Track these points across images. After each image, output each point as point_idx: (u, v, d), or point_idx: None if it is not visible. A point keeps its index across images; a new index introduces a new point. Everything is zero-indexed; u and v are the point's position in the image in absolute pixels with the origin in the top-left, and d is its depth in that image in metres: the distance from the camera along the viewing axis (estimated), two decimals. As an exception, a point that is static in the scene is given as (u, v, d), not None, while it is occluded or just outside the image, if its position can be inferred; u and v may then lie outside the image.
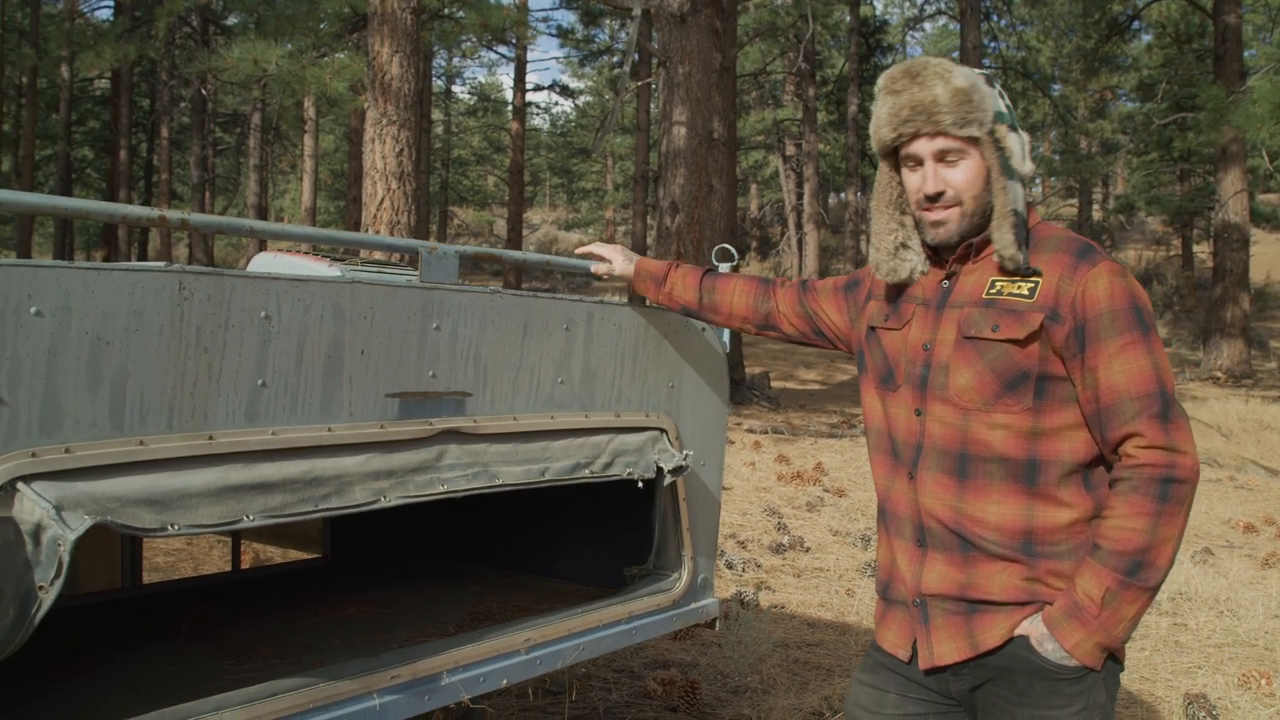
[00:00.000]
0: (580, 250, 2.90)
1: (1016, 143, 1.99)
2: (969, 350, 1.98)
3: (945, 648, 2.01)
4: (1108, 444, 1.91)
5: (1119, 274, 1.92)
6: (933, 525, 2.03)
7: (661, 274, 2.75)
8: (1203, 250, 31.90)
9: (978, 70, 2.03)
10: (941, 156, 1.99)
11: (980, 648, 1.98)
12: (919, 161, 2.01)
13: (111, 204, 1.97)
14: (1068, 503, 1.94)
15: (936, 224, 2.03)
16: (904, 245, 2.11)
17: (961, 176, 1.99)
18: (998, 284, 1.99)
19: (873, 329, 2.20)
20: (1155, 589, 1.87)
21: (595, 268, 2.86)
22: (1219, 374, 19.63)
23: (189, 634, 3.01)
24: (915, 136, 1.99)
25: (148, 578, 3.65)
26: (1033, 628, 1.94)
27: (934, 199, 2.01)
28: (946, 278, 2.07)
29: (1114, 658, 1.95)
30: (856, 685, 2.21)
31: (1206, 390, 18.52)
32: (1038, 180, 44.47)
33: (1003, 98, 2.00)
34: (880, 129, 2.03)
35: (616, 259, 2.84)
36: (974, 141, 1.97)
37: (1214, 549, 7.64)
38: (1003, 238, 1.98)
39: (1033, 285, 1.95)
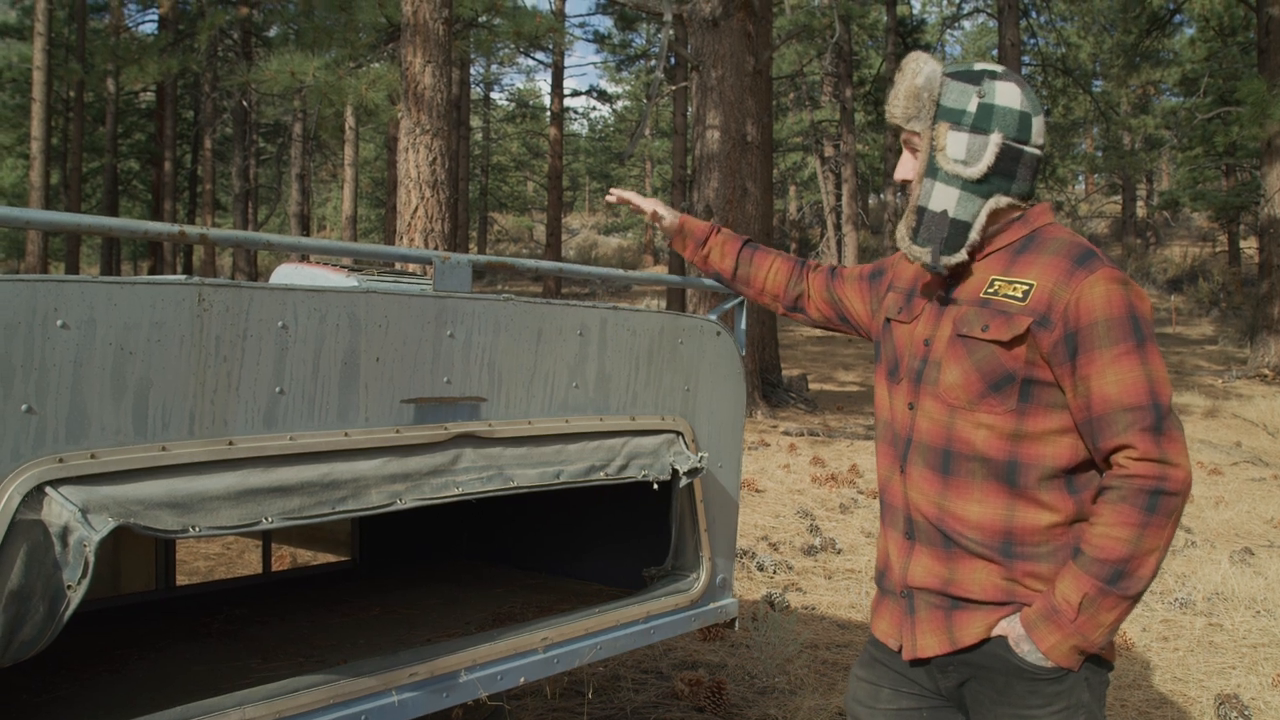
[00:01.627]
0: (616, 192, 2.78)
1: (959, 142, 1.98)
2: (960, 348, 1.99)
3: (927, 640, 2.04)
4: (1099, 453, 1.90)
5: (1117, 281, 1.89)
6: (919, 519, 2.06)
7: (703, 236, 2.68)
8: (1249, 246, 31.40)
9: (986, 67, 2.04)
10: (909, 147, 2.08)
11: (958, 643, 2.00)
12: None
13: (134, 221, 2.06)
14: (1049, 505, 1.94)
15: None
16: None
17: (918, 167, 2.05)
18: (996, 283, 1.99)
19: (888, 321, 2.22)
20: (1136, 598, 1.86)
21: (636, 206, 2.74)
22: (1266, 371, 19.32)
23: (219, 634, 3.10)
24: (895, 126, 2.08)
25: (183, 580, 3.75)
26: (1010, 628, 1.95)
27: (905, 185, 2.10)
28: (954, 274, 2.09)
29: (1099, 659, 1.96)
30: (854, 680, 2.24)
31: (1253, 388, 18.25)
32: (1080, 177, 44.05)
33: (981, 98, 1.98)
34: None
35: (662, 211, 2.72)
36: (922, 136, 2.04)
37: (1254, 549, 7.55)
38: (899, 230, 2.06)
39: (1027, 288, 1.94)
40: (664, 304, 23.85)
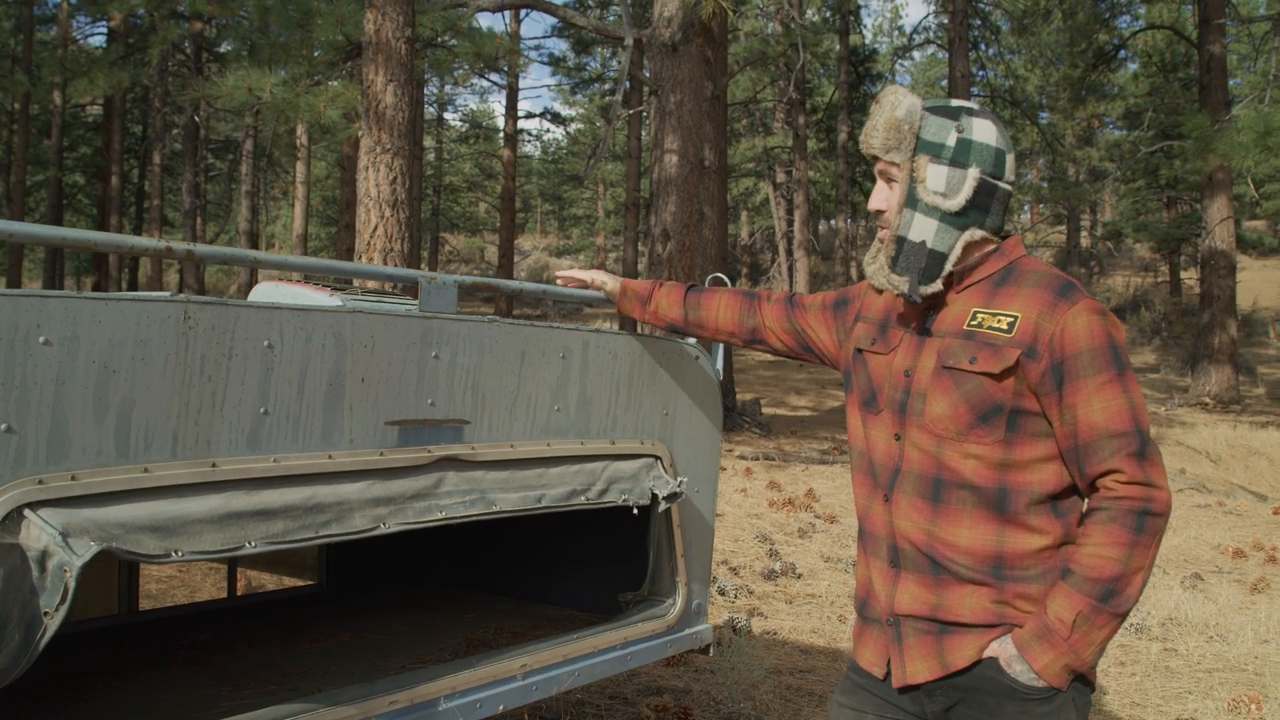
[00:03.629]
0: (562, 275, 2.92)
1: (939, 175, 2.01)
2: (946, 380, 2.01)
3: (917, 667, 2.04)
4: (1085, 479, 1.94)
5: (1098, 313, 1.94)
6: (906, 547, 2.06)
7: (646, 293, 2.79)
8: (1190, 277, 32.13)
9: (962, 103, 2.07)
10: (885, 177, 2.09)
11: (950, 668, 2.01)
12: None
13: (119, 235, 2.00)
14: (1038, 529, 1.97)
15: (883, 240, 2.11)
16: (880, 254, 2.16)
17: (895, 198, 2.07)
18: (979, 315, 2.01)
19: (860, 351, 2.22)
20: (1124, 615, 1.91)
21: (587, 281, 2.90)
22: (1207, 400, 19.73)
23: (186, 660, 3.02)
24: (872, 156, 2.09)
25: (143, 604, 3.65)
26: (1002, 649, 1.97)
27: (878, 215, 2.11)
28: (931, 305, 2.11)
29: (1084, 680, 1.98)
30: (836, 707, 2.23)
31: (1195, 416, 18.61)
32: (1025, 207, 44.86)
33: (960, 133, 2.01)
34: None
35: (604, 278, 2.89)
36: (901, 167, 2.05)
37: (1204, 574, 7.68)
38: (874, 259, 2.10)
39: (1012, 320, 1.97)
40: (617, 325, 23.87)
